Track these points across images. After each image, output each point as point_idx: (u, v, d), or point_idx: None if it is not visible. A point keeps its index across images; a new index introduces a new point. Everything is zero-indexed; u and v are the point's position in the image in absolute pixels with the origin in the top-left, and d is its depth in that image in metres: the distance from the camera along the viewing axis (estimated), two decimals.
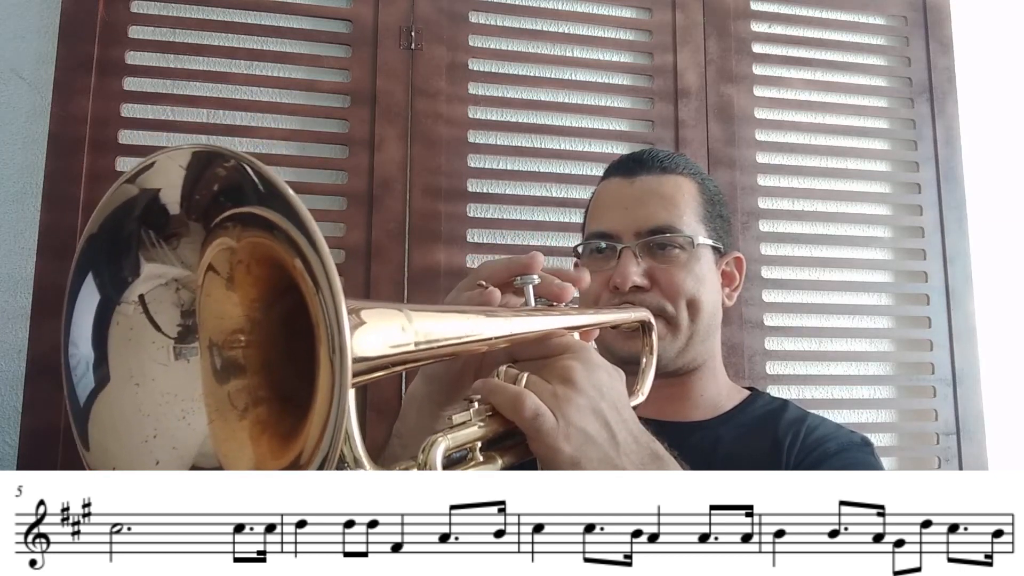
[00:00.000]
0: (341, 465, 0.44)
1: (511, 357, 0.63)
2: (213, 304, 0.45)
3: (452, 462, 0.55)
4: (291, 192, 0.38)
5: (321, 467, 0.38)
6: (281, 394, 0.46)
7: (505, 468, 0.58)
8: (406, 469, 0.52)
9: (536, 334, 0.64)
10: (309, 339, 0.39)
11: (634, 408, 0.66)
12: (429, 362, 0.63)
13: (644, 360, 0.91)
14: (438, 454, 0.52)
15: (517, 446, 0.59)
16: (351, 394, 0.37)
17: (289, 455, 0.42)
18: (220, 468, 0.44)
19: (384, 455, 0.75)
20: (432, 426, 0.71)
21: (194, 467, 0.44)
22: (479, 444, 0.57)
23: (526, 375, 0.59)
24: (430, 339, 0.51)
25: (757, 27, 1.70)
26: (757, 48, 1.70)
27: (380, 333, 0.45)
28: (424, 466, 0.51)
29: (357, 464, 0.45)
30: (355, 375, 0.38)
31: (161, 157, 0.42)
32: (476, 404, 0.58)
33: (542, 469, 0.60)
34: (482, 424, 0.57)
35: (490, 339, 0.60)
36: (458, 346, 0.56)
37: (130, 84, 1.40)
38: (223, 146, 0.40)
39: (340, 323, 0.36)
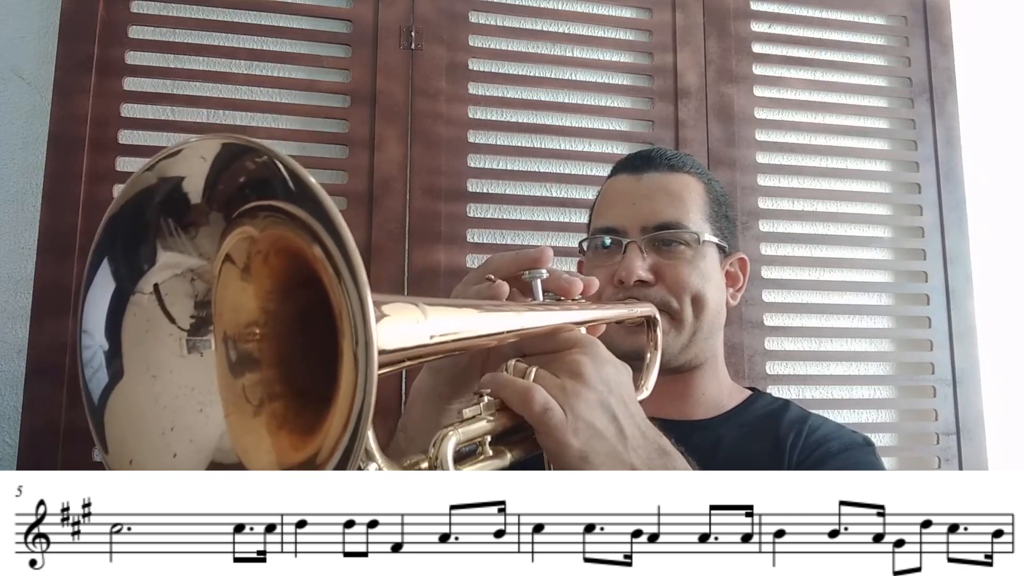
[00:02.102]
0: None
1: (519, 351, 0.64)
2: (228, 296, 0.45)
3: (462, 456, 0.55)
4: (315, 183, 0.37)
5: (343, 461, 0.37)
6: (297, 388, 0.46)
7: (514, 462, 0.58)
8: (417, 463, 0.52)
9: (544, 329, 0.64)
10: (327, 333, 0.39)
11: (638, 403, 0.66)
12: (441, 357, 0.63)
13: (648, 355, 0.91)
14: (449, 448, 0.52)
15: (526, 440, 0.59)
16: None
17: (309, 449, 0.41)
18: (239, 462, 0.44)
19: (389, 450, 0.75)
20: (438, 420, 0.71)
21: (213, 462, 0.44)
22: (488, 438, 0.57)
23: (535, 369, 0.59)
24: (444, 333, 0.51)
25: (757, 27, 1.70)
26: (757, 48, 1.70)
27: (398, 326, 0.45)
28: (435, 460, 0.51)
29: (369, 457, 0.45)
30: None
31: (187, 147, 0.41)
32: (485, 398, 0.58)
33: (550, 463, 0.60)
34: (491, 418, 0.57)
35: (501, 333, 0.60)
36: (471, 340, 0.56)
37: (130, 84, 1.40)
38: (249, 138, 0.40)
39: (366, 315, 0.36)
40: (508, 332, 0.61)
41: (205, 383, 0.45)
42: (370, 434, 0.44)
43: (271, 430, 0.45)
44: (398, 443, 0.75)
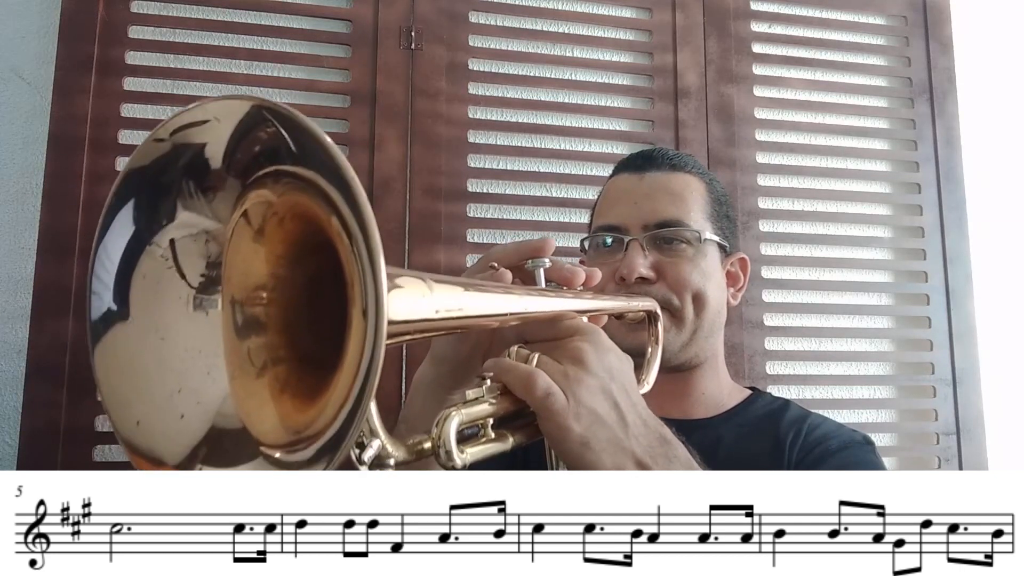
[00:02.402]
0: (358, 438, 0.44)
1: (521, 338, 0.64)
2: (239, 258, 0.45)
3: (464, 438, 0.55)
4: (336, 149, 0.38)
5: (345, 427, 0.37)
6: (301, 354, 0.46)
7: (516, 446, 0.58)
8: (420, 443, 0.51)
9: (547, 315, 0.64)
10: (336, 301, 0.39)
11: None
12: (444, 333, 0.63)
13: (649, 350, 0.91)
14: (452, 427, 0.52)
15: (528, 425, 0.59)
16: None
17: (311, 413, 0.42)
18: (242, 424, 0.44)
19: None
20: (439, 410, 0.71)
21: (215, 424, 0.44)
22: (491, 421, 0.57)
23: (537, 355, 0.59)
24: (449, 309, 0.51)
25: (757, 27, 1.70)
26: (757, 48, 1.70)
27: (405, 298, 0.45)
28: (438, 440, 0.51)
29: (373, 434, 0.45)
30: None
31: (212, 105, 0.42)
32: (488, 382, 0.58)
33: (552, 448, 0.60)
34: (494, 401, 0.57)
35: (504, 315, 0.60)
36: (474, 319, 0.56)
37: (130, 84, 1.40)
38: (276, 101, 0.40)
39: (378, 283, 0.36)
40: (511, 314, 0.61)
41: (212, 346, 0.45)
42: (374, 411, 0.44)
43: (274, 393, 0.45)
44: (400, 433, 0.75)
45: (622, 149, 1.56)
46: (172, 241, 0.44)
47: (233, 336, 0.45)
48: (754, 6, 1.70)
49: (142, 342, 0.44)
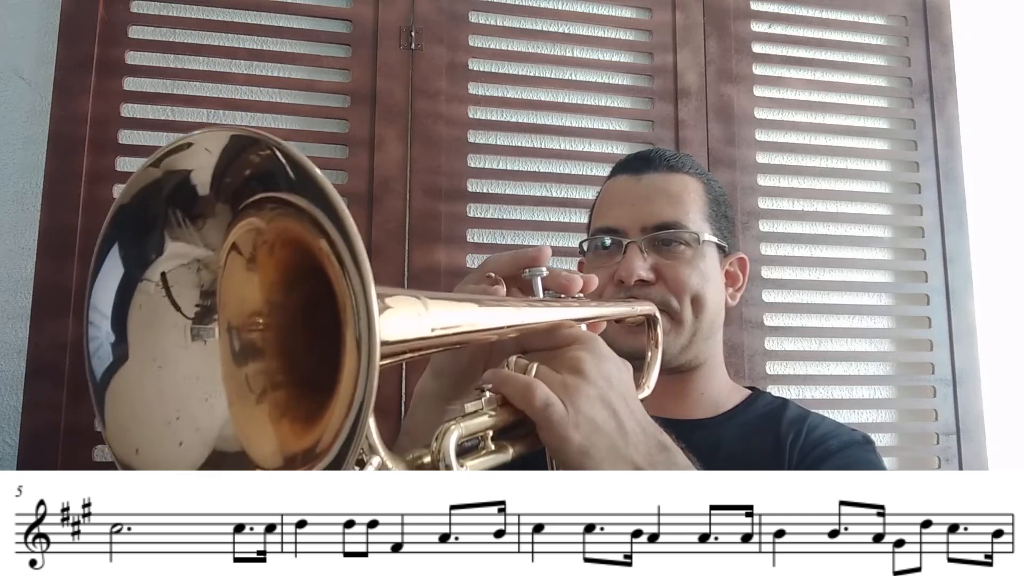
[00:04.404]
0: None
1: (520, 348, 0.64)
2: (233, 286, 0.45)
3: (464, 451, 0.55)
4: (320, 174, 0.38)
5: (344, 450, 0.38)
6: (299, 379, 0.46)
7: (516, 457, 0.58)
8: (419, 457, 0.52)
9: (545, 325, 0.64)
10: (331, 324, 0.39)
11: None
12: (441, 349, 0.64)
13: (649, 354, 0.91)
14: (451, 442, 0.52)
15: (527, 436, 0.59)
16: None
17: (311, 437, 0.42)
18: (243, 450, 0.44)
19: (393, 451, 0.75)
20: (441, 421, 0.71)
21: (216, 449, 0.44)
22: (490, 433, 0.57)
23: (536, 365, 0.59)
24: (445, 326, 0.51)
25: (757, 27, 1.70)
26: (757, 48, 1.70)
27: (400, 318, 0.46)
28: (438, 454, 0.51)
29: (372, 451, 0.45)
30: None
31: (195, 139, 0.42)
32: (487, 394, 0.58)
33: (552, 458, 0.60)
34: (493, 413, 0.57)
35: (501, 328, 0.60)
36: (471, 334, 0.56)
37: (130, 84, 1.40)
38: (257, 129, 0.40)
39: (370, 306, 0.36)
40: (509, 327, 0.61)
41: (210, 373, 0.45)
42: (373, 428, 0.44)
43: (273, 419, 0.45)
44: (402, 445, 0.75)
45: (622, 149, 1.56)
46: (163, 274, 0.44)
47: (231, 362, 0.45)
48: (754, 6, 1.70)
49: (141, 374, 0.44)
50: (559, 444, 0.57)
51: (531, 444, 0.59)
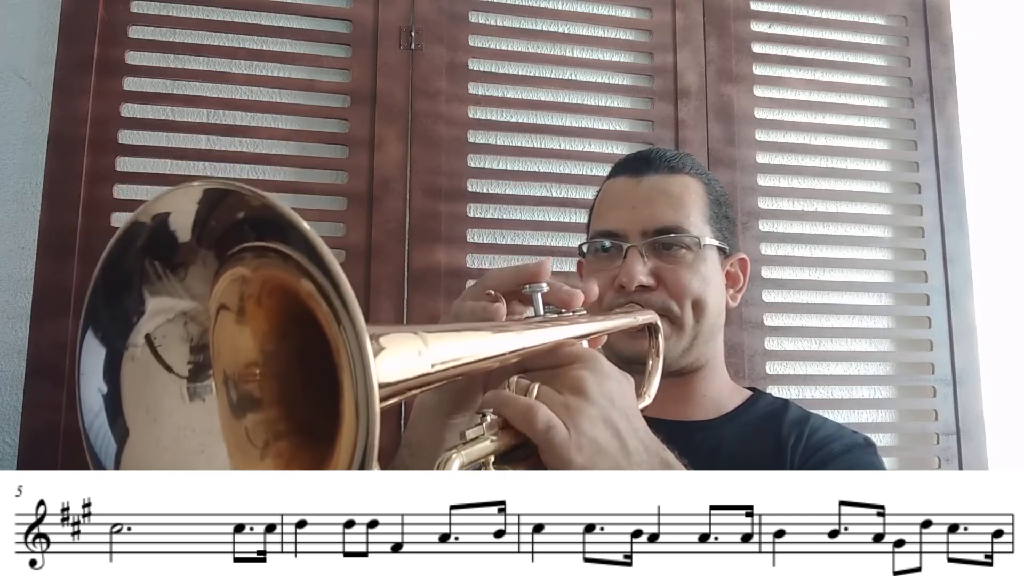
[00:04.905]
0: None
1: (521, 367, 0.63)
2: (225, 338, 0.43)
3: None
4: (302, 221, 0.36)
5: None
6: (301, 426, 0.45)
7: None
8: None
9: (546, 345, 0.64)
10: (329, 369, 0.38)
11: (640, 410, 0.66)
12: (444, 383, 0.64)
13: (651, 362, 0.91)
14: (453, 471, 0.52)
15: (529, 458, 0.59)
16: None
17: None
18: None
19: (392, 464, 0.75)
20: (442, 435, 0.71)
21: None
22: (492, 458, 0.57)
23: (537, 386, 0.59)
24: (446, 360, 0.50)
25: (757, 27, 1.70)
26: (757, 48, 1.70)
27: (399, 358, 0.44)
28: None
29: None
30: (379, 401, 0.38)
31: (168, 194, 0.39)
32: (488, 418, 0.57)
33: None
34: (494, 438, 0.57)
35: (503, 355, 0.59)
36: (473, 364, 0.55)
37: (130, 84, 1.40)
38: (233, 180, 0.38)
39: (364, 353, 0.35)
40: (511, 353, 0.60)
41: (205, 425, 0.44)
42: (375, 464, 0.44)
43: (279, 469, 0.45)
44: (402, 459, 0.74)
45: (622, 149, 1.55)
46: (148, 336, 0.42)
47: (230, 415, 0.44)
48: (754, 6, 1.70)
49: (141, 435, 0.43)
50: (562, 466, 0.57)
51: (533, 466, 0.59)
